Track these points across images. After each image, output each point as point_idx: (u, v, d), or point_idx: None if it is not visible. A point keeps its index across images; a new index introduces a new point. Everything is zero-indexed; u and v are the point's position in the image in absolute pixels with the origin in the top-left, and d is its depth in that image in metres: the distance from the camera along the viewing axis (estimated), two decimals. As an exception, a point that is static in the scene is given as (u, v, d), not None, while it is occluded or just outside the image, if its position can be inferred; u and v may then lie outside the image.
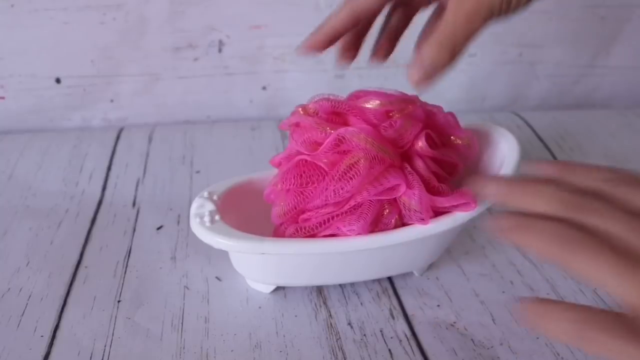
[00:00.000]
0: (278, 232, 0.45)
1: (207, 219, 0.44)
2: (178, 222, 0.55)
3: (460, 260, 0.51)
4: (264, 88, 0.76)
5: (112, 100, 0.74)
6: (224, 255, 0.51)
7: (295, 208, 0.43)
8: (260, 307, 0.46)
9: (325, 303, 0.46)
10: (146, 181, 0.62)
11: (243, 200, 0.48)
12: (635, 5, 0.76)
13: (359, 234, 0.42)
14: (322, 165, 0.42)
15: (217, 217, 0.44)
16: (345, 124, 0.44)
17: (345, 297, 0.47)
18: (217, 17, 0.71)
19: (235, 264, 0.47)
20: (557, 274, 0.49)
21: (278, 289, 0.47)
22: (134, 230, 0.55)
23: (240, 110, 0.77)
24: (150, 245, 0.53)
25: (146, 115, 0.76)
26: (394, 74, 0.74)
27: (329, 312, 0.46)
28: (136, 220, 0.56)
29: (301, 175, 0.43)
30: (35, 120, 0.74)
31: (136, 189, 0.61)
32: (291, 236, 0.43)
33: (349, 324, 0.44)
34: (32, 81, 0.72)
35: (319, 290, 0.48)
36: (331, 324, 0.44)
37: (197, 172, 0.63)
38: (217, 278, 0.49)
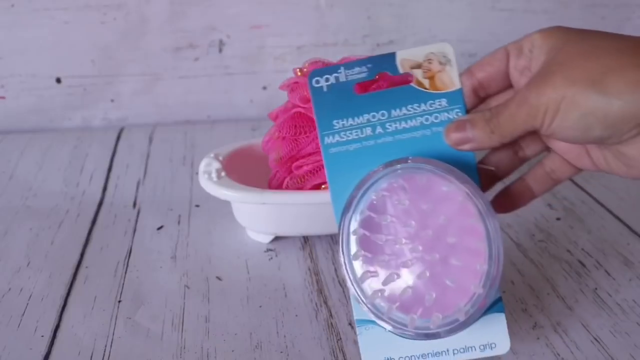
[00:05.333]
0: (271, 184, 0.51)
1: (214, 175, 0.50)
2: (178, 222, 0.55)
3: (460, 260, 0.51)
4: (264, 88, 0.76)
5: (112, 100, 0.74)
6: (224, 254, 0.51)
7: (289, 154, 0.49)
8: (260, 307, 0.46)
9: (325, 303, 0.46)
10: (147, 182, 0.62)
11: (244, 161, 0.54)
12: (635, 5, 0.76)
13: None
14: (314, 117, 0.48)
15: (222, 174, 0.50)
16: None
17: (345, 297, 0.47)
18: (217, 17, 0.71)
19: (237, 217, 0.52)
20: (558, 274, 0.49)
21: (279, 288, 0.47)
22: (135, 230, 0.55)
23: (241, 110, 0.77)
24: (150, 245, 0.53)
25: (146, 115, 0.76)
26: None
27: (330, 311, 0.46)
28: (137, 220, 0.56)
29: (295, 126, 0.49)
30: (36, 120, 0.74)
31: (137, 190, 0.61)
32: (287, 186, 0.49)
33: (350, 324, 0.44)
34: (32, 81, 0.72)
35: (320, 289, 0.48)
36: (332, 324, 0.44)
37: (197, 172, 0.63)
38: (218, 278, 0.49)
